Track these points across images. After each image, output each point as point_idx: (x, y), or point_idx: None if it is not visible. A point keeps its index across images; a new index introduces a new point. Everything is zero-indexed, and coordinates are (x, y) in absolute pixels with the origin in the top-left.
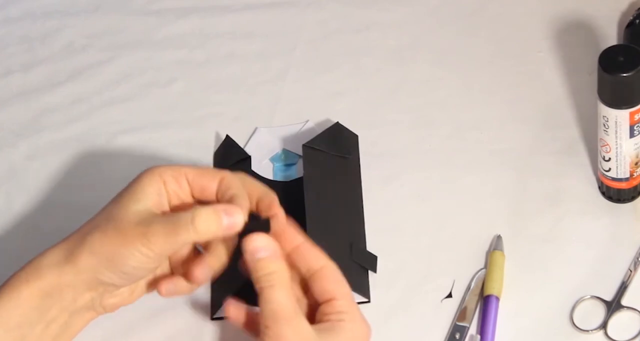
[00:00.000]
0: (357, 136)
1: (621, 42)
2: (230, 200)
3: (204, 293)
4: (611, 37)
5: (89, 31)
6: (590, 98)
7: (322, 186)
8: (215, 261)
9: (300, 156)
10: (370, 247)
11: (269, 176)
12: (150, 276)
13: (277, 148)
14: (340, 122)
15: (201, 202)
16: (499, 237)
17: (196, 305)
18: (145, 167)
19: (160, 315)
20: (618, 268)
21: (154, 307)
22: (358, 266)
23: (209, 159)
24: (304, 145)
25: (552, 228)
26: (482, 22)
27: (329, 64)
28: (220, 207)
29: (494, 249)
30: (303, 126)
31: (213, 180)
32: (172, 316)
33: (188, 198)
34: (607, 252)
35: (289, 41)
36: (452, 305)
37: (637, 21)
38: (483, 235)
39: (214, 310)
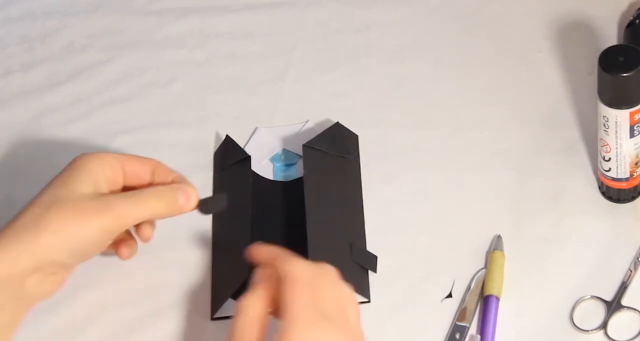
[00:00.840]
0: (357, 136)
1: (621, 42)
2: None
3: (205, 293)
4: (611, 37)
5: (89, 31)
6: (590, 98)
7: (322, 186)
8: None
9: (300, 156)
10: (370, 247)
11: (269, 176)
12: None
13: (277, 148)
14: (340, 122)
15: (129, 188)
16: (499, 237)
17: (197, 305)
18: None
19: (160, 315)
20: (618, 268)
21: (154, 307)
22: (358, 266)
23: (209, 159)
24: (304, 145)
25: (552, 228)
26: (482, 22)
27: (329, 64)
28: (183, 187)
29: (494, 249)
30: (303, 126)
31: (147, 168)
32: (173, 316)
33: (120, 185)
34: (607, 251)
35: (289, 41)
36: (452, 305)
37: (637, 21)
38: (483, 235)
39: (214, 310)
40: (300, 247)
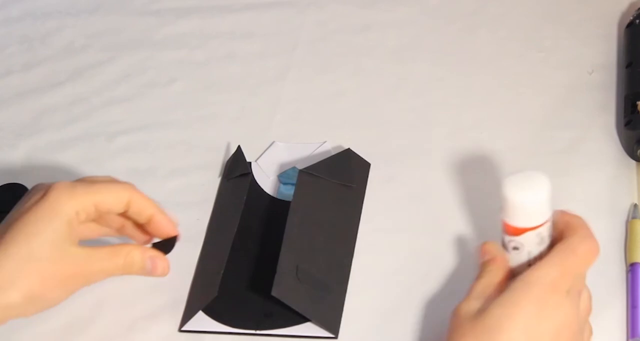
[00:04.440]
0: (368, 164)
1: (621, 42)
2: (150, 220)
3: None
4: (611, 37)
5: (89, 31)
6: (590, 98)
7: (310, 215)
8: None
9: None
10: (370, 247)
11: (273, 192)
12: None
13: (288, 165)
14: (341, 122)
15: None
16: (635, 206)
17: (172, 316)
18: (145, 167)
19: (160, 315)
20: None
21: (154, 307)
22: (331, 300)
23: (209, 159)
24: (300, 171)
25: None
26: (482, 22)
27: (329, 64)
28: (149, 254)
29: (633, 217)
30: (319, 147)
31: (121, 203)
32: (173, 316)
33: (90, 219)
34: (606, 251)
35: (289, 41)
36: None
37: (637, 21)
38: (483, 235)
39: (184, 322)
40: (272, 269)
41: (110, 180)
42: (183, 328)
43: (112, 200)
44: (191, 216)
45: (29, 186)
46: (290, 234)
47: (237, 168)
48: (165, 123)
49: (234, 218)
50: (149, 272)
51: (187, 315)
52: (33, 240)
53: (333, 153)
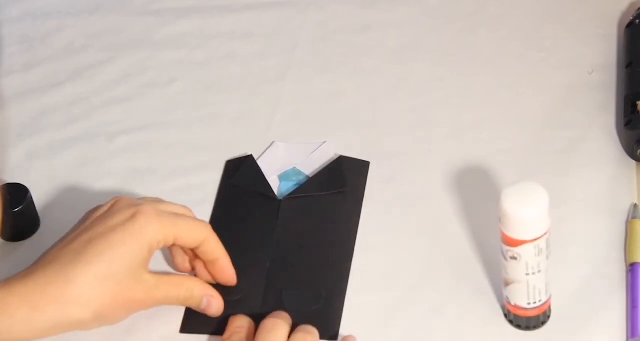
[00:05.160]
0: (368, 163)
1: (621, 42)
2: (215, 263)
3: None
4: (611, 37)
5: (89, 31)
6: (590, 98)
7: (295, 237)
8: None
9: (308, 176)
10: (370, 247)
11: (274, 191)
12: None
13: (288, 165)
14: (341, 122)
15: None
16: (635, 206)
17: (173, 316)
18: (145, 167)
19: (160, 315)
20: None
21: (154, 307)
22: (327, 309)
23: (208, 159)
24: (284, 199)
25: (553, 229)
26: (482, 22)
27: (329, 64)
28: (208, 292)
29: (633, 217)
30: (319, 147)
31: (196, 241)
32: (173, 316)
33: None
34: (606, 251)
35: (289, 41)
36: (453, 306)
37: (637, 21)
38: (482, 235)
39: (184, 327)
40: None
41: (191, 216)
42: (185, 331)
43: (191, 235)
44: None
45: (29, 186)
46: (274, 261)
47: (252, 182)
48: (165, 123)
49: (262, 247)
50: (203, 309)
51: (189, 324)
52: (115, 262)
53: (333, 153)
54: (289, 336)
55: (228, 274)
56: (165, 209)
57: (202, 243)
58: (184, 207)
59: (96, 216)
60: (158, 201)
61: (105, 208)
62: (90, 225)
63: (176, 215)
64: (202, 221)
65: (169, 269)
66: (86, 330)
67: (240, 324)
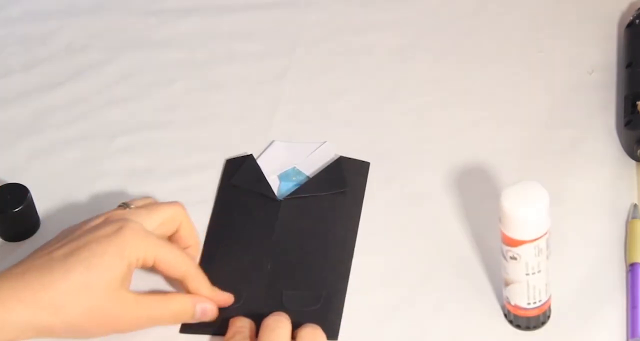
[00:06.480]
0: (368, 163)
1: (621, 42)
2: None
3: None
4: (611, 37)
5: (89, 31)
6: (590, 98)
7: (295, 237)
8: None
9: (308, 176)
10: (370, 248)
11: (274, 191)
12: None
13: (288, 165)
14: (341, 122)
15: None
16: (635, 206)
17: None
18: (145, 167)
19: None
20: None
21: None
22: (327, 308)
23: (208, 159)
24: (284, 199)
25: (553, 229)
26: (482, 22)
27: (329, 64)
28: (199, 303)
29: (633, 218)
30: (319, 146)
31: (176, 271)
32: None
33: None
34: (606, 251)
35: (289, 41)
36: (453, 306)
37: (637, 21)
38: (482, 235)
39: (184, 327)
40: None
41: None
42: (185, 330)
43: (171, 263)
44: (191, 216)
45: (29, 186)
46: (274, 261)
47: (251, 181)
48: (165, 123)
49: (262, 247)
50: (199, 318)
51: (189, 324)
52: (92, 272)
53: (333, 153)
54: (294, 336)
55: (218, 303)
56: (153, 218)
57: (183, 278)
58: (174, 204)
59: (87, 227)
60: (147, 203)
61: (98, 221)
62: (78, 234)
63: (164, 241)
64: (186, 255)
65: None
66: (58, 338)
67: (242, 324)
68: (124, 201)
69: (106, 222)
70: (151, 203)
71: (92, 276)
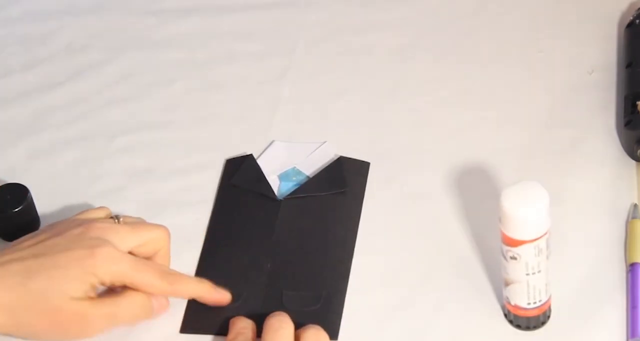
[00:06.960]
0: (368, 164)
1: (621, 42)
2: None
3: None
4: (611, 37)
5: (89, 31)
6: (590, 98)
7: (295, 237)
8: None
9: (308, 176)
10: (370, 248)
11: (274, 191)
12: None
13: (288, 165)
14: (341, 122)
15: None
16: (635, 206)
17: (173, 316)
18: (145, 167)
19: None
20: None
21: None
22: (327, 309)
23: (208, 160)
24: (284, 199)
25: (553, 229)
26: (482, 22)
27: (329, 64)
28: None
29: (633, 217)
30: (319, 146)
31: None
32: (174, 316)
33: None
34: (606, 251)
35: (289, 41)
36: (452, 306)
37: (637, 21)
38: (482, 235)
39: (185, 327)
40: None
41: (157, 276)
42: (185, 331)
43: (146, 286)
44: (191, 216)
45: (29, 186)
46: (274, 261)
47: (251, 181)
48: (165, 123)
49: (262, 247)
50: (157, 313)
51: (189, 323)
52: (54, 284)
53: (333, 153)
54: (296, 336)
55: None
56: (133, 257)
57: (161, 294)
58: (160, 228)
59: (64, 234)
60: (136, 221)
61: (76, 231)
62: (59, 237)
63: (140, 264)
64: (161, 274)
65: None
66: (11, 335)
67: (244, 325)
68: (116, 214)
69: (83, 236)
70: (137, 222)
71: (51, 291)
